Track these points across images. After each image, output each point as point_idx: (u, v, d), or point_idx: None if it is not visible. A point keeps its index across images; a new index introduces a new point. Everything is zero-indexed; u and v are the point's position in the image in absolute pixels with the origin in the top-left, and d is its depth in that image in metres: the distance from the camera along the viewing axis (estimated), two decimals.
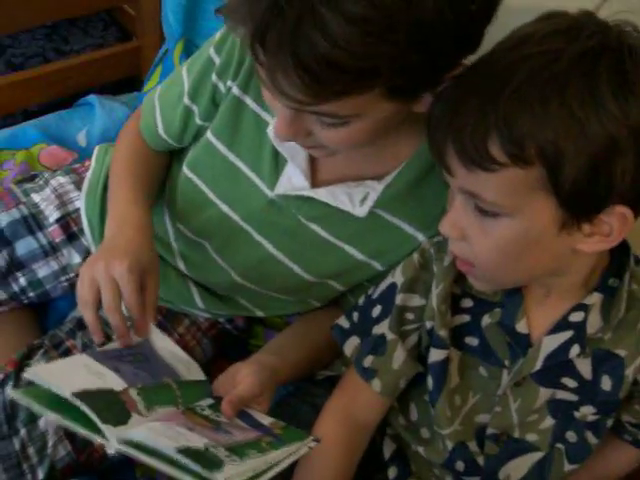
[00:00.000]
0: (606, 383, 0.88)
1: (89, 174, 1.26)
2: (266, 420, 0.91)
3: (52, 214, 1.24)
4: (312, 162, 1.01)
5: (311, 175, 1.01)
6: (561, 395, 0.90)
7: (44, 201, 1.25)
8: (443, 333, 0.92)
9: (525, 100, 0.72)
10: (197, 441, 0.79)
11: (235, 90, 1.03)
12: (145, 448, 0.76)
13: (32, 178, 1.31)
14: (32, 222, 1.23)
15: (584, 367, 0.88)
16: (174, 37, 1.45)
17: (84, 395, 0.80)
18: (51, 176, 1.29)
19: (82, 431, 0.78)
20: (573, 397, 0.90)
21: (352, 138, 0.85)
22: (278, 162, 1.02)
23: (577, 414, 0.91)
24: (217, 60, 1.04)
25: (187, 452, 0.75)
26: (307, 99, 0.75)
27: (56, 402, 0.79)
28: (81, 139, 1.57)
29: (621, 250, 0.88)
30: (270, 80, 0.76)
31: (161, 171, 1.17)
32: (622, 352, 0.87)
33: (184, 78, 1.09)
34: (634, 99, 0.72)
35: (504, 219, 0.78)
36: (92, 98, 1.63)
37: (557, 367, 0.89)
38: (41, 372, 0.84)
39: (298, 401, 1.08)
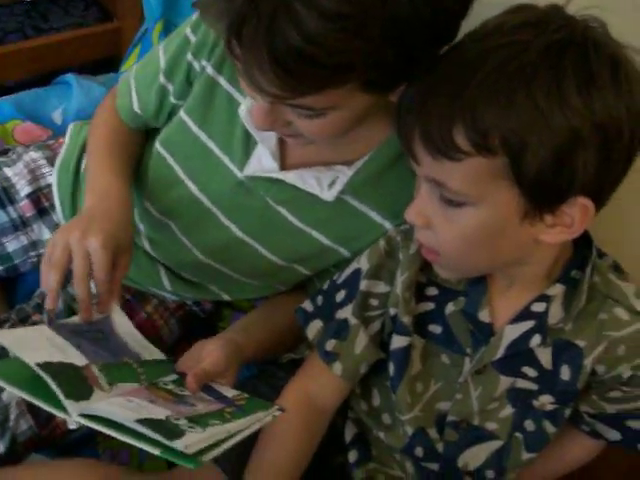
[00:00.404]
0: (565, 373, 0.89)
1: (62, 150, 1.25)
2: (230, 393, 0.91)
3: (23, 188, 1.23)
4: (282, 145, 1.01)
5: (281, 158, 1.01)
6: (521, 384, 0.91)
7: (16, 175, 1.24)
8: (406, 320, 0.92)
9: (491, 90, 0.73)
10: (158, 413, 0.80)
11: (209, 70, 1.03)
12: (106, 421, 0.76)
13: (5, 152, 1.30)
14: (3, 196, 1.22)
15: (544, 357, 0.89)
16: (154, 17, 1.44)
17: (47, 367, 0.80)
18: (24, 151, 1.28)
19: (45, 406, 0.78)
20: (533, 386, 0.91)
21: (329, 128, 0.85)
22: (249, 143, 1.02)
23: (536, 403, 0.92)
24: (193, 39, 1.04)
25: (147, 422, 0.75)
26: (283, 94, 0.76)
27: (19, 375, 0.79)
28: (57, 117, 1.56)
29: (584, 243, 0.89)
30: (246, 75, 0.77)
31: (138, 149, 1.17)
32: (581, 342, 0.88)
33: (160, 57, 1.09)
34: (597, 94, 0.73)
35: (468, 208, 0.79)
36: (70, 77, 1.61)
37: (518, 356, 0.90)
38: (6, 337, 0.84)
39: (260, 383, 1.08)
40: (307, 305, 1.01)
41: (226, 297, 1.20)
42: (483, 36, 0.78)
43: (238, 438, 0.79)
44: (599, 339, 0.88)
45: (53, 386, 0.77)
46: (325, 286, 1.01)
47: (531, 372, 0.90)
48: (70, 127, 1.28)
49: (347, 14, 0.70)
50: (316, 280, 1.12)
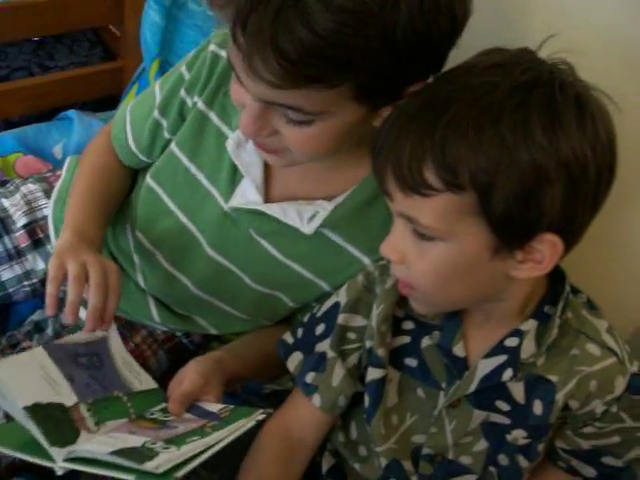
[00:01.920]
0: (537, 407, 0.89)
1: (59, 183, 1.27)
2: (215, 407, 0.91)
3: (20, 219, 1.24)
4: (267, 178, 1.03)
5: (265, 191, 1.03)
6: (495, 418, 0.91)
7: (13, 206, 1.25)
8: (381, 352, 0.92)
9: (460, 128, 0.74)
10: (135, 441, 0.81)
11: (200, 105, 1.05)
12: (86, 460, 0.77)
13: (3, 183, 1.31)
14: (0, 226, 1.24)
15: (517, 391, 0.89)
16: (151, 56, 1.47)
17: (35, 410, 0.82)
18: (22, 183, 1.30)
19: (32, 459, 0.80)
20: (506, 420, 0.91)
21: (315, 142, 0.85)
22: (235, 176, 1.04)
23: (509, 437, 0.91)
24: (187, 76, 1.06)
25: (121, 452, 0.76)
26: (281, 82, 0.76)
27: (8, 432, 0.84)
28: (57, 152, 1.58)
29: (558, 279, 0.89)
30: (246, 61, 0.77)
31: (123, 186, 1.19)
32: (554, 377, 0.88)
33: (156, 93, 1.11)
34: (562, 133, 0.74)
35: (439, 243, 0.79)
36: (72, 113, 1.63)
37: (491, 390, 0.89)
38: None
39: None
40: (287, 337, 1.02)
41: (213, 331, 1.20)
42: (455, 77, 0.80)
43: (217, 448, 0.79)
44: (571, 374, 0.88)
45: (39, 436, 0.79)
46: (305, 319, 1.02)
47: (504, 406, 0.90)
48: (67, 161, 1.30)
49: (350, 9, 0.72)
50: (299, 315, 1.12)
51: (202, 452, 0.78)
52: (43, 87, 1.69)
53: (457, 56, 0.83)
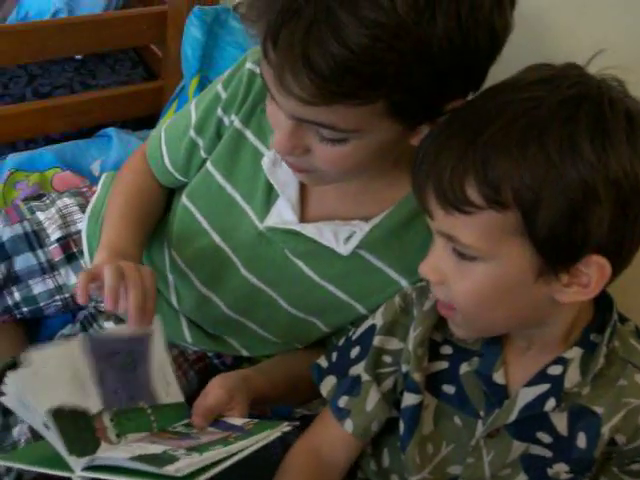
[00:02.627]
0: (581, 440, 0.83)
1: (94, 199, 1.25)
2: (240, 421, 0.88)
3: (54, 233, 1.22)
4: (303, 198, 1.00)
5: (300, 211, 0.99)
6: (535, 450, 0.85)
7: (48, 220, 1.24)
8: (417, 377, 0.88)
9: (503, 144, 0.71)
10: (157, 449, 0.78)
11: (237, 123, 1.02)
12: (105, 468, 0.74)
13: (39, 197, 1.30)
14: (33, 239, 1.22)
15: (560, 422, 0.84)
16: (190, 72, 1.46)
17: (59, 413, 0.79)
18: (58, 197, 1.28)
19: (50, 471, 0.77)
20: (547, 453, 0.85)
21: (348, 159, 0.82)
22: (271, 196, 1.01)
23: (550, 471, 0.85)
24: (224, 95, 1.04)
25: (140, 458, 0.74)
26: (312, 99, 0.74)
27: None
28: (95, 168, 1.57)
29: (605, 306, 0.84)
30: (277, 77, 0.75)
31: (159, 206, 1.16)
32: (599, 409, 0.82)
33: (192, 112, 1.09)
34: (612, 149, 0.70)
35: (481, 263, 0.76)
36: (111, 130, 1.63)
37: (532, 420, 0.84)
38: (25, 376, 0.81)
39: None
40: (322, 361, 0.98)
41: (245, 353, 1.17)
42: (498, 92, 0.77)
43: (240, 456, 0.76)
44: (618, 406, 0.82)
45: (58, 443, 0.77)
46: (340, 342, 0.98)
47: (546, 438, 0.85)
48: (103, 177, 1.28)
49: (383, 23, 0.69)
50: (334, 338, 1.08)
51: (224, 459, 0.75)
52: (84, 104, 1.69)
53: (499, 73, 0.80)
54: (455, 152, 0.73)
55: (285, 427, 0.83)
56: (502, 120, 0.72)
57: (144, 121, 1.77)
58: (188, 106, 1.11)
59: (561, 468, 0.85)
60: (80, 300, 0.89)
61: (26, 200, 1.30)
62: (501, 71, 0.79)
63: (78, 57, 1.80)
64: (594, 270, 0.73)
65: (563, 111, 0.71)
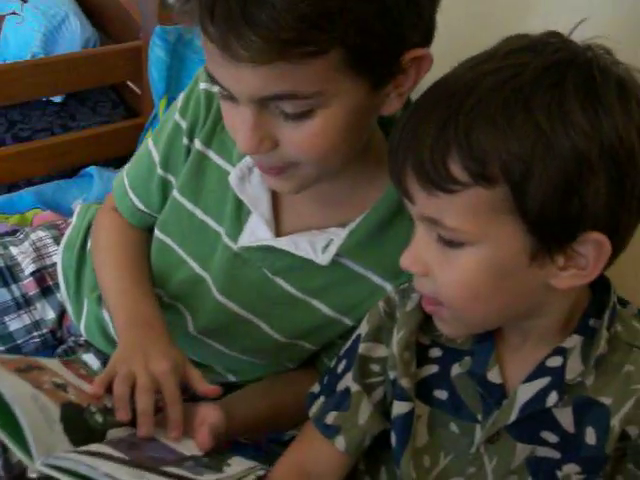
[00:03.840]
0: (590, 436, 0.73)
1: (69, 229, 1.18)
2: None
3: (28, 267, 1.16)
4: (276, 212, 0.92)
5: (275, 225, 0.92)
6: (542, 452, 0.76)
7: (22, 254, 1.17)
8: (405, 383, 0.79)
9: (487, 113, 0.63)
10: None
11: (198, 145, 0.95)
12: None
13: (14, 232, 1.24)
14: (7, 274, 1.15)
15: (565, 418, 0.74)
16: (158, 94, 1.40)
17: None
18: (32, 230, 1.22)
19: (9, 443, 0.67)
20: (555, 454, 0.75)
21: (319, 138, 0.74)
22: (242, 213, 0.93)
23: (560, 474, 0.75)
24: (184, 123, 0.96)
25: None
26: (261, 56, 0.66)
27: None
28: (76, 207, 1.49)
29: (602, 288, 0.76)
30: (223, 48, 0.68)
31: (148, 251, 1.07)
32: (606, 400, 0.73)
33: (152, 150, 1.01)
34: (605, 114, 0.63)
35: (469, 248, 0.68)
36: (92, 169, 1.58)
37: (535, 419, 0.75)
38: None
39: (263, 462, 0.94)
40: (315, 387, 0.90)
41: (232, 378, 1.08)
42: (476, 63, 0.69)
43: None
44: (627, 395, 0.73)
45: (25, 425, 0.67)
46: (332, 364, 0.90)
47: (552, 437, 0.75)
48: (78, 207, 1.22)
49: None
50: (324, 356, 1.01)
51: None
52: (64, 146, 1.62)
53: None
54: (434, 126, 0.65)
55: (259, 470, 0.76)
56: (483, 89, 0.64)
57: (126, 159, 1.70)
58: (145, 145, 1.04)
59: (572, 469, 0.75)
60: (92, 392, 0.80)
61: (0, 236, 1.23)
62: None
63: (57, 100, 1.75)
64: (591, 249, 0.66)
65: (549, 76, 0.64)
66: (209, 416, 0.83)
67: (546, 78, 0.64)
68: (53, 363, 0.83)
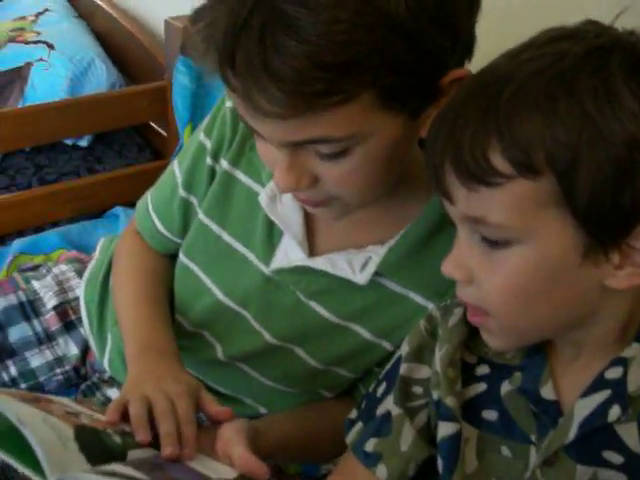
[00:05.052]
0: None
1: (92, 263, 1.14)
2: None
3: (50, 301, 1.11)
4: (309, 232, 0.87)
5: (309, 246, 0.86)
6: (605, 475, 0.67)
7: (44, 288, 1.13)
8: (450, 402, 0.72)
9: (528, 100, 0.58)
10: None
11: (225, 165, 0.91)
12: None
13: (36, 267, 1.19)
14: (28, 308, 1.10)
15: (630, 436, 0.66)
16: (182, 122, 1.37)
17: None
18: (54, 264, 1.18)
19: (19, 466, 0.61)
20: (620, 477, 0.67)
21: (358, 173, 0.70)
22: (273, 236, 0.88)
23: None
24: (208, 143, 0.92)
25: None
26: (287, 110, 0.62)
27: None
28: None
29: None
30: (248, 102, 0.64)
31: (169, 280, 1.02)
32: None
33: (176, 171, 0.98)
34: None
35: (515, 248, 0.61)
36: (118, 209, 1.55)
37: (596, 437, 0.67)
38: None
39: None
40: (352, 414, 0.83)
41: (263, 410, 1.01)
42: (515, 54, 0.64)
43: None
44: None
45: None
46: (370, 389, 0.83)
47: (615, 458, 0.67)
48: (101, 241, 1.17)
49: (339, 4, 0.59)
50: (361, 386, 0.94)
51: None
52: (90, 188, 1.60)
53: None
54: (473, 116, 0.60)
55: None
56: (523, 75, 0.59)
57: None
58: (171, 167, 1.00)
59: None
60: (107, 419, 0.74)
61: (22, 271, 1.18)
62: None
63: (84, 145, 1.72)
64: None
65: (592, 61, 0.59)
66: (225, 430, 0.76)
67: (589, 62, 0.59)
68: (64, 400, 0.77)
